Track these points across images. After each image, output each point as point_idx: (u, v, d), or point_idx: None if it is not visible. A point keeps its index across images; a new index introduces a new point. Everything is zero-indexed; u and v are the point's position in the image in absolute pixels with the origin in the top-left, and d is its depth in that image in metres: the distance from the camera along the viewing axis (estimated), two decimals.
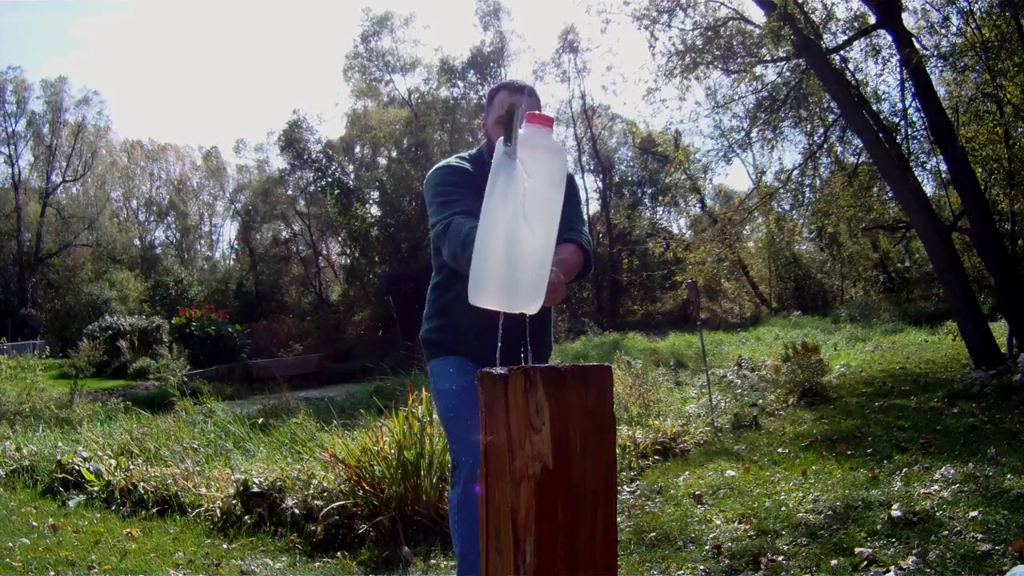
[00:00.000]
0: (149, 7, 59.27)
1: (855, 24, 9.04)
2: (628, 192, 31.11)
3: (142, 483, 4.79)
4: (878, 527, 3.17)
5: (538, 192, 1.24)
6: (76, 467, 5.27)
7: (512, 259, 1.23)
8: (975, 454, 4.21)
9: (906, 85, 8.77)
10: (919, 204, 7.93)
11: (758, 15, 9.18)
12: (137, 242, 39.72)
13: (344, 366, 22.11)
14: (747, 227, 18.11)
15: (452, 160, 2.40)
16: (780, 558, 2.99)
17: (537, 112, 1.31)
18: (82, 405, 10.21)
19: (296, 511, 3.97)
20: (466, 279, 1.28)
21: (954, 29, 8.57)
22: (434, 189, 2.30)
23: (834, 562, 2.87)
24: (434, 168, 2.40)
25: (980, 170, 8.71)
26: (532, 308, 1.25)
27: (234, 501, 4.24)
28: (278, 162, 32.82)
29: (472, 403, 1.92)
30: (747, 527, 3.39)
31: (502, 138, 1.27)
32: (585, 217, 2.64)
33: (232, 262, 39.74)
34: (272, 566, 3.51)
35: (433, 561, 3.45)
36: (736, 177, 61.75)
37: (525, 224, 1.21)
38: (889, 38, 8.63)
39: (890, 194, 10.32)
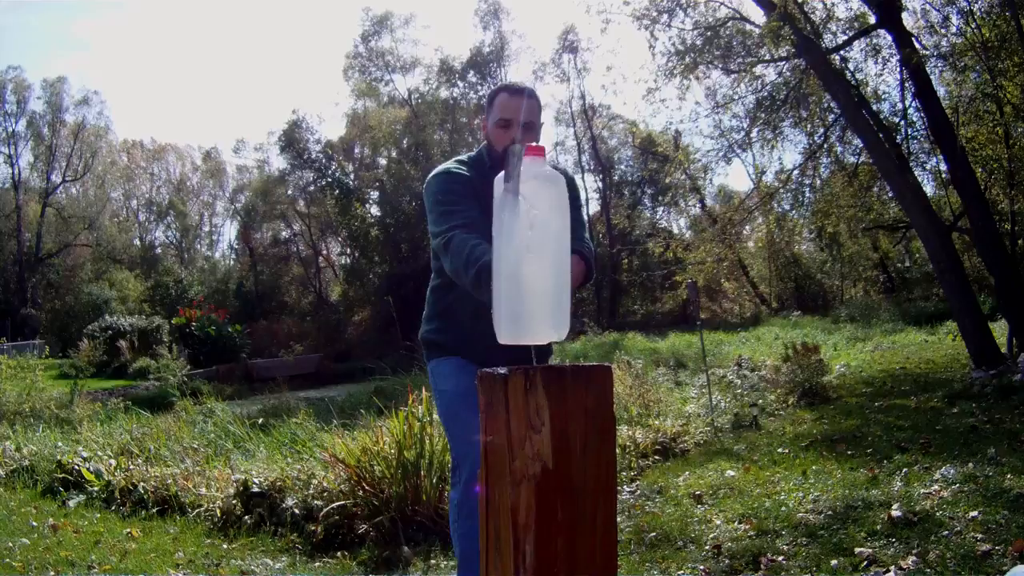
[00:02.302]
0: (149, 7, 59.29)
1: (855, 24, 9.04)
2: (628, 192, 31.10)
3: (142, 483, 4.79)
4: (878, 527, 3.17)
5: (544, 224, 1.26)
6: (76, 467, 5.27)
7: (532, 295, 1.25)
8: (975, 454, 4.21)
9: (906, 85, 8.77)
10: (919, 204, 7.93)
11: (758, 15, 9.19)
12: (137, 242, 39.69)
13: (344, 366, 22.11)
14: (747, 227, 18.13)
15: (451, 165, 2.38)
16: (780, 558, 2.99)
17: (532, 144, 1.33)
18: (82, 405, 10.20)
19: (296, 511, 3.97)
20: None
21: (954, 29, 8.58)
22: (434, 197, 2.28)
23: (834, 562, 2.87)
24: (433, 174, 2.38)
25: (980, 170, 8.71)
26: (559, 335, 1.27)
27: (234, 501, 4.24)
28: (278, 162, 32.89)
29: (472, 403, 1.92)
30: (747, 527, 3.39)
31: (502, 174, 1.28)
32: (586, 219, 2.62)
33: (232, 262, 39.75)
34: (272, 566, 3.51)
35: (433, 561, 3.45)
36: (736, 177, 61.73)
37: (537, 258, 1.23)
38: (889, 38, 8.63)
39: (890, 194, 10.32)
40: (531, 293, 1.24)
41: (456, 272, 2.06)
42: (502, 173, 1.30)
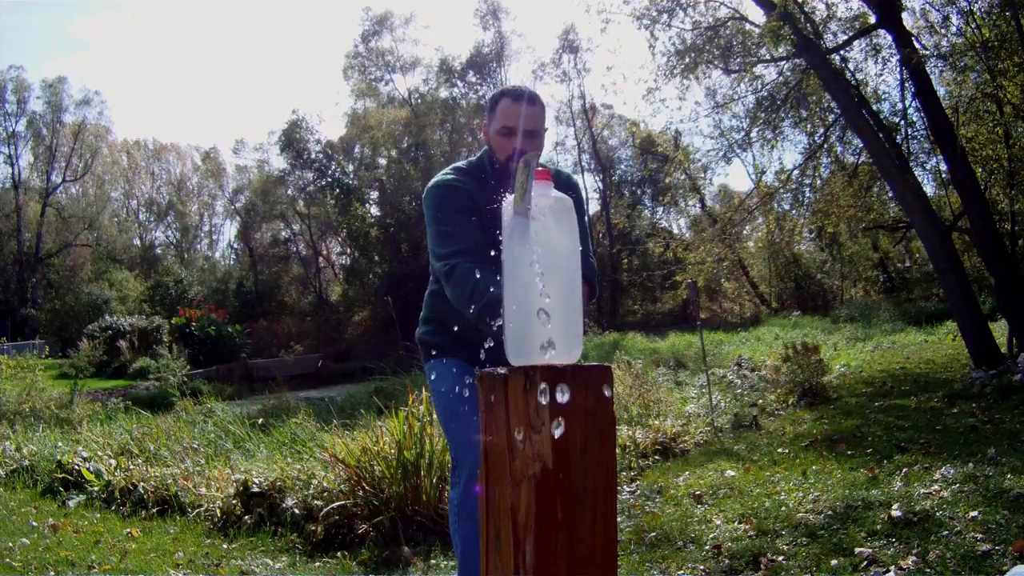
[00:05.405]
0: (149, 7, 59.29)
1: (855, 24, 9.04)
2: (628, 192, 31.12)
3: (142, 483, 4.79)
4: (878, 527, 3.16)
5: (554, 248, 1.27)
6: (76, 467, 5.27)
7: (543, 320, 1.25)
8: (975, 454, 4.21)
9: (906, 85, 8.77)
10: (919, 204, 7.93)
11: (758, 15, 9.19)
12: (137, 242, 39.72)
13: (344, 366, 22.13)
14: (747, 227, 18.11)
15: (451, 176, 2.31)
16: (780, 558, 2.99)
17: (538, 167, 1.33)
18: (82, 405, 10.21)
19: (296, 511, 3.97)
20: None
21: (954, 29, 8.59)
22: (432, 214, 2.23)
23: (834, 562, 2.87)
24: (431, 185, 2.31)
25: (980, 170, 8.70)
26: (571, 358, 1.26)
27: (234, 501, 4.24)
28: (278, 162, 32.90)
29: (471, 403, 1.92)
30: (747, 527, 3.39)
31: (512, 197, 1.28)
32: (588, 225, 2.57)
33: (232, 262, 39.78)
34: (272, 566, 3.51)
35: (433, 561, 3.45)
36: (736, 177, 61.76)
37: (547, 284, 1.23)
38: (889, 38, 8.63)
39: (890, 194, 10.32)
40: (542, 318, 1.24)
41: (458, 303, 2.03)
42: (511, 197, 1.29)
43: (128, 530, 4.11)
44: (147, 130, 75.28)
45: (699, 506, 3.86)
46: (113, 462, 5.33)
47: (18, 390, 10.21)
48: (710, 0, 9.68)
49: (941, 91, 9.25)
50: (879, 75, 13.88)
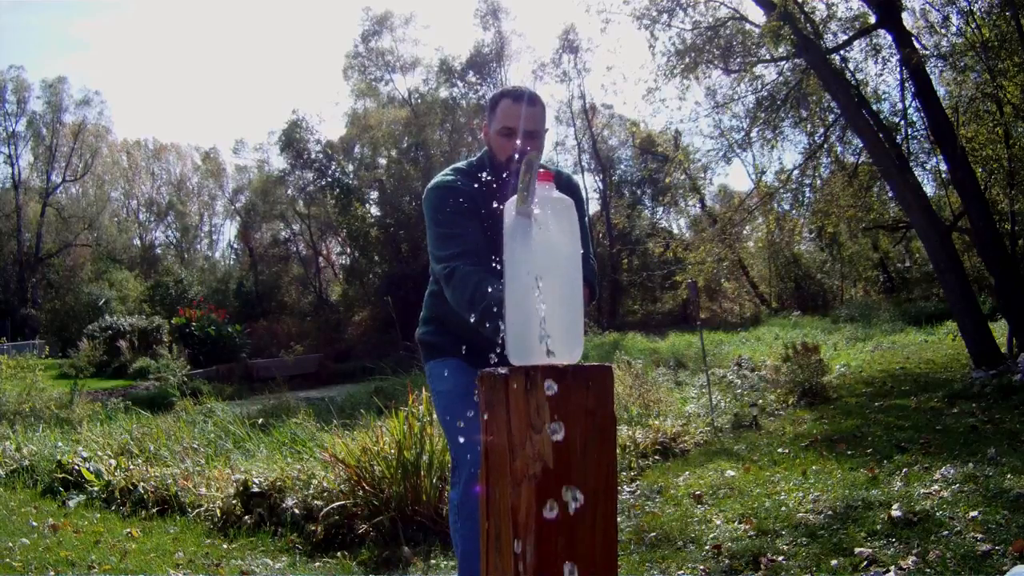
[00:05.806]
0: (149, 7, 59.31)
1: (855, 24, 9.04)
2: (628, 192, 31.11)
3: (142, 483, 4.79)
4: (878, 527, 3.16)
5: (555, 248, 1.28)
6: (76, 467, 5.27)
7: (546, 318, 1.26)
8: (975, 454, 4.21)
9: (906, 85, 8.77)
10: (919, 204, 7.93)
11: (758, 15, 9.19)
12: (137, 242, 39.70)
13: (344, 366, 22.12)
14: (747, 227, 18.12)
15: (451, 177, 2.30)
16: (780, 558, 2.99)
17: (540, 168, 1.34)
18: (82, 405, 10.21)
19: (296, 511, 3.97)
20: None
21: (954, 29, 8.59)
22: (432, 216, 2.22)
23: (834, 562, 2.87)
24: (431, 186, 2.30)
25: (980, 170, 8.70)
26: (572, 358, 1.27)
27: (234, 501, 4.24)
28: (278, 162, 32.88)
29: (470, 403, 1.92)
30: (747, 527, 3.39)
31: (514, 199, 1.29)
32: (588, 227, 2.57)
33: (232, 262, 39.77)
34: (272, 566, 3.51)
35: (433, 561, 3.45)
36: (736, 177, 61.77)
37: (548, 283, 1.24)
38: (889, 38, 8.63)
39: (890, 194, 10.32)
40: (548, 317, 1.25)
41: (458, 306, 2.03)
42: (513, 199, 1.30)
43: (128, 530, 4.11)
44: (147, 130, 75.35)
45: (699, 506, 3.86)
46: (113, 462, 5.33)
47: (18, 390, 10.21)
48: (710, 0, 9.69)
49: (941, 91, 9.26)
50: (879, 75, 13.92)
